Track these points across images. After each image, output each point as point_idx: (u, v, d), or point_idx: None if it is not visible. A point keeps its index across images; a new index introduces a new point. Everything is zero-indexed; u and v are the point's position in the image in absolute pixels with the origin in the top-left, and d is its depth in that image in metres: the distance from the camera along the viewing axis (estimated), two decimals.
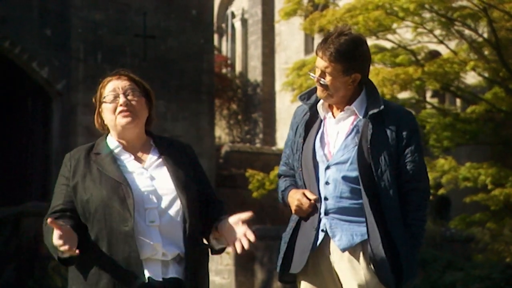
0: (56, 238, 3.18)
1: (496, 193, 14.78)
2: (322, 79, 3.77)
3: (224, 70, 29.76)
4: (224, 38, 31.90)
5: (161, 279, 3.32)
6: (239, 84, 29.86)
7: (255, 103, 29.02)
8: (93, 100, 3.52)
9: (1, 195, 17.42)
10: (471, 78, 16.93)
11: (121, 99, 3.43)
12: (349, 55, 3.73)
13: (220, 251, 3.49)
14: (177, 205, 3.37)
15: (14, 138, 18.44)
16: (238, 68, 30.39)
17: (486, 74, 16.04)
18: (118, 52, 17.29)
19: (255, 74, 29.17)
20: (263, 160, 21.67)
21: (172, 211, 3.37)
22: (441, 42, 15.97)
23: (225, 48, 31.75)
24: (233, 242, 3.37)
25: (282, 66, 26.69)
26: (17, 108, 18.46)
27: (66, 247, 3.18)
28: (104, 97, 3.46)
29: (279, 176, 4.03)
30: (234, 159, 22.03)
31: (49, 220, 3.21)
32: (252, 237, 3.35)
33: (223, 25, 31.79)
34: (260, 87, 28.87)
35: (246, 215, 3.40)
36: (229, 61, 30.74)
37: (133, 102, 3.44)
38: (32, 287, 13.07)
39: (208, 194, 3.56)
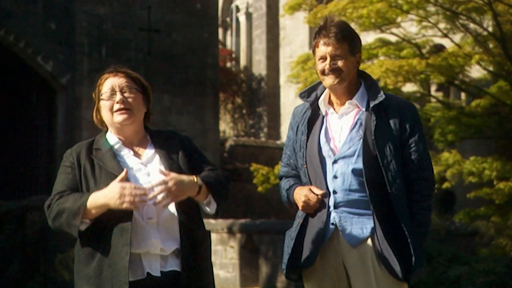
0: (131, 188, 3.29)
1: (501, 186, 14.76)
2: (335, 64, 3.78)
3: (228, 64, 29.75)
4: (228, 32, 31.87)
5: (159, 274, 3.36)
6: (243, 78, 29.85)
7: (260, 97, 29.01)
8: (93, 96, 3.58)
9: (6, 189, 17.46)
10: (476, 71, 16.90)
11: (118, 97, 3.50)
12: (351, 34, 3.82)
13: (216, 214, 3.51)
14: None
15: (19, 132, 18.46)
16: (243, 62, 30.36)
17: (491, 68, 16.01)
18: (123, 46, 17.28)
19: (260, 68, 29.15)
20: (268, 154, 21.69)
21: (168, 207, 3.41)
22: (445, 35, 15.94)
23: (229, 42, 31.72)
24: None
25: (287, 60, 26.68)
26: (22, 102, 18.48)
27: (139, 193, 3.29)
28: (102, 94, 3.53)
29: (280, 177, 4.03)
30: (238, 153, 22.04)
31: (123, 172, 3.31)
32: None
33: (228, 19, 31.77)
34: (264, 81, 28.86)
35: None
36: (233, 55, 30.72)
37: (130, 99, 3.51)
38: (38, 280, 13.11)
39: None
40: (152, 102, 3.63)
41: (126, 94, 3.51)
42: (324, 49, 3.79)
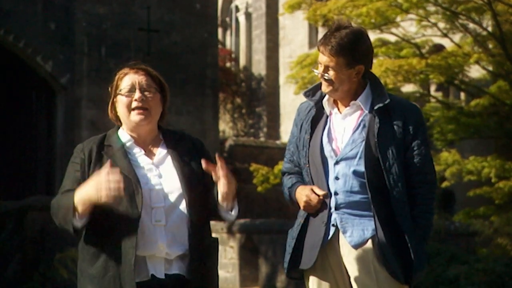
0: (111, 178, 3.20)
1: (500, 185, 14.74)
2: (326, 74, 3.77)
3: (228, 64, 29.74)
4: (228, 32, 31.86)
5: (163, 276, 3.35)
6: (243, 78, 29.84)
7: (259, 97, 29.00)
8: (109, 89, 3.53)
9: (5, 189, 17.45)
10: (475, 71, 16.89)
11: (137, 94, 3.45)
12: (351, 47, 3.73)
13: (235, 219, 3.53)
14: (183, 204, 3.39)
15: (18, 132, 18.45)
16: (242, 62, 30.36)
17: (490, 68, 16.00)
18: (122, 46, 17.28)
19: (259, 68, 29.14)
20: (267, 154, 21.67)
21: (178, 210, 3.39)
22: (445, 35, 15.93)
23: (229, 42, 31.72)
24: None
25: (286, 60, 26.66)
26: (21, 102, 18.47)
27: (119, 186, 3.21)
28: (121, 89, 3.48)
29: (283, 173, 4.01)
30: (238, 153, 22.03)
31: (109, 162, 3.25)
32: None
33: (227, 19, 31.76)
34: (264, 81, 28.86)
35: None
36: (233, 55, 30.72)
37: (149, 98, 3.47)
38: (37, 280, 13.09)
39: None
40: (168, 102, 3.60)
41: (145, 93, 3.47)
42: (321, 56, 3.79)
